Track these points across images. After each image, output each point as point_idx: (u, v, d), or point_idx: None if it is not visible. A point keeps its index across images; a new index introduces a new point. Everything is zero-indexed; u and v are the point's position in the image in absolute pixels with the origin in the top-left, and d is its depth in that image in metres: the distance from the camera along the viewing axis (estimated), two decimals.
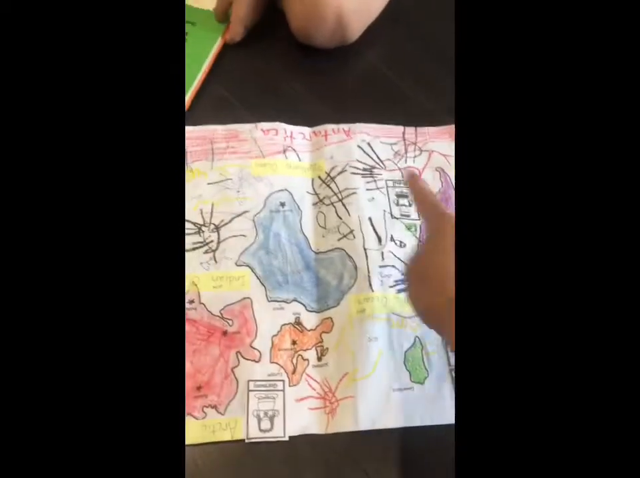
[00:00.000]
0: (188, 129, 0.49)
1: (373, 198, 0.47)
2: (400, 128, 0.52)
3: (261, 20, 0.57)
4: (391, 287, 0.43)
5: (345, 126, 0.51)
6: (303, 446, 0.38)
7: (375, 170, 0.49)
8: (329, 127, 0.51)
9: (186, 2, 0.56)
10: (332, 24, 0.52)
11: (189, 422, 0.38)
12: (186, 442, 0.37)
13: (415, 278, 0.36)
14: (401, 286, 0.44)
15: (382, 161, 0.50)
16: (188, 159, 0.48)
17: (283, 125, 0.51)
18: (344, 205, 0.47)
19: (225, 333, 0.41)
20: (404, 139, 0.51)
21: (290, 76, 0.55)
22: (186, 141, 0.49)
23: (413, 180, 0.40)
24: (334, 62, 0.57)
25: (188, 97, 0.51)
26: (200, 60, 0.53)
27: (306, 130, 0.51)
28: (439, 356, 0.42)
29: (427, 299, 0.35)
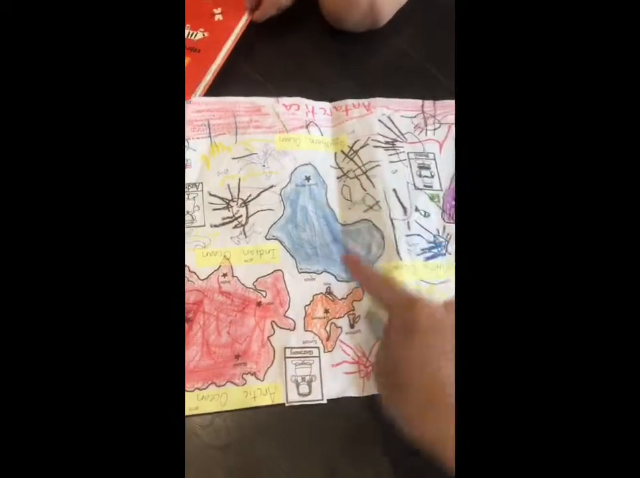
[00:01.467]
0: (209, 99, 0.50)
1: (396, 171, 0.48)
2: (419, 101, 0.53)
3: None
4: (418, 255, 0.45)
5: (365, 101, 0.52)
6: (341, 408, 0.39)
7: (397, 143, 0.50)
8: (349, 101, 0.52)
9: None
10: (365, 8, 0.52)
11: (230, 389, 0.39)
12: (228, 408, 0.38)
13: (385, 381, 0.33)
14: (429, 254, 0.45)
15: (402, 134, 0.50)
16: (212, 132, 0.48)
17: (305, 100, 0.51)
18: (368, 177, 0.48)
19: (259, 304, 0.42)
20: (423, 112, 0.52)
21: (316, 59, 0.56)
22: (208, 113, 0.49)
23: (355, 267, 0.39)
24: (362, 46, 0.57)
25: (213, 73, 0.51)
26: (224, 37, 0.53)
27: (327, 105, 0.52)
28: None
29: (405, 408, 0.31)
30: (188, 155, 0.47)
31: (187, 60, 0.51)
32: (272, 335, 0.41)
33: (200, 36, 0.52)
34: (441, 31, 0.56)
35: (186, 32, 0.53)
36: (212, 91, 0.50)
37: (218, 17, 0.54)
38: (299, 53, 0.56)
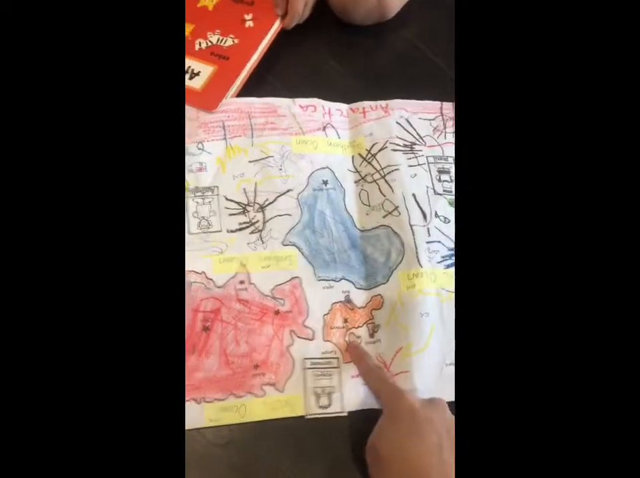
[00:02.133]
0: (223, 101, 0.48)
1: (415, 175, 0.47)
2: (437, 103, 0.51)
3: None
4: (439, 262, 0.44)
5: (383, 102, 0.51)
6: (362, 420, 0.38)
7: (416, 147, 0.49)
8: (367, 103, 0.50)
9: None
10: (373, 1, 0.51)
11: (250, 401, 0.38)
12: (248, 419, 0.38)
13: (372, 460, 0.35)
14: (449, 262, 0.44)
15: (421, 137, 0.49)
16: (227, 134, 0.47)
17: (321, 101, 0.50)
18: (387, 182, 0.47)
19: (277, 312, 0.41)
20: (442, 115, 0.51)
21: (326, 52, 0.54)
22: (223, 114, 0.48)
23: (357, 355, 0.40)
24: (370, 39, 0.56)
25: (242, 80, 0.50)
26: (255, 44, 0.51)
27: (343, 107, 0.50)
28: None
29: None
30: (203, 158, 0.46)
31: (215, 67, 0.49)
32: (291, 345, 0.40)
33: (229, 42, 0.51)
34: (448, 23, 0.54)
35: (216, 38, 0.51)
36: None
37: (249, 23, 0.52)
38: (309, 48, 0.55)
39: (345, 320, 0.42)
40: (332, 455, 0.38)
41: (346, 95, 0.51)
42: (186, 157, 0.46)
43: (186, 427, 0.37)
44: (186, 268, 0.42)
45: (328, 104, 0.50)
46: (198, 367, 0.39)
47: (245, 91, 0.50)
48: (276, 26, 0.52)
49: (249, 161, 0.46)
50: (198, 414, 0.38)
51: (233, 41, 0.51)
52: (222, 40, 0.51)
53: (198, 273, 0.42)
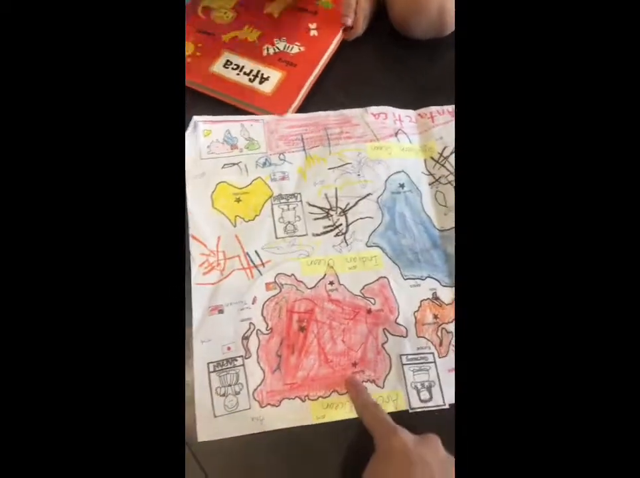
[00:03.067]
0: (300, 116, 0.51)
1: None
2: None
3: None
4: None
5: (449, 107, 0.52)
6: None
7: None
8: (433, 108, 0.52)
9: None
10: (434, 16, 0.53)
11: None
12: (354, 415, 0.38)
13: None
14: None
15: None
16: (305, 145, 0.49)
17: (391, 108, 0.52)
18: None
19: (369, 311, 0.42)
20: None
21: (382, 66, 0.57)
22: (300, 128, 0.50)
23: (354, 391, 0.39)
24: (424, 54, 0.58)
25: (308, 87, 0.52)
26: (320, 53, 0.54)
27: (411, 113, 0.52)
28: None
29: None
30: (285, 168, 0.48)
31: (284, 73, 0.52)
32: (386, 342, 0.41)
33: (296, 50, 0.54)
34: None
35: (283, 44, 0.54)
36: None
37: (314, 32, 0.55)
38: (367, 61, 0.57)
39: (435, 316, 0.43)
40: None
41: (406, 105, 0.53)
42: (270, 168, 0.48)
43: (293, 425, 0.38)
44: (276, 271, 0.43)
45: (398, 111, 0.52)
46: (299, 366, 0.40)
47: (308, 100, 0.52)
48: (339, 37, 0.55)
49: (329, 168, 0.48)
50: (304, 411, 0.39)
51: (299, 49, 0.54)
52: (288, 47, 0.54)
53: (287, 275, 0.44)
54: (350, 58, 0.57)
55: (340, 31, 0.55)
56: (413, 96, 0.54)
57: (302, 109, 0.52)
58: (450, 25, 0.56)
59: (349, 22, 0.55)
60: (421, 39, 0.57)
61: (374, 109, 0.51)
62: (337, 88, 0.54)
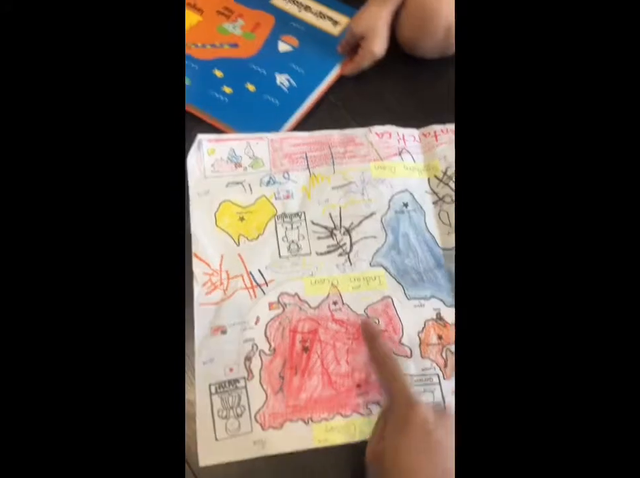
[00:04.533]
0: (304, 134, 0.51)
1: None
2: None
3: None
4: None
5: (452, 126, 0.53)
6: None
7: None
8: (437, 127, 0.52)
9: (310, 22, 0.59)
10: (441, 36, 0.54)
11: (357, 420, 0.39)
12: (358, 438, 0.38)
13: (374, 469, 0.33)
14: None
15: None
16: (310, 164, 0.49)
17: (395, 127, 0.52)
18: None
19: None
20: None
21: (389, 83, 0.57)
22: (305, 147, 0.50)
23: (369, 335, 0.38)
24: (432, 71, 0.58)
25: (306, 107, 0.53)
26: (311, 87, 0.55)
27: (415, 132, 0.53)
28: None
29: None
30: (289, 186, 0.48)
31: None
32: None
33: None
34: None
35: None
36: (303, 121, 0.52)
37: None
38: (374, 78, 0.57)
39: (439, 337, 0.42)
40: None
41: (412, 123, 0.53)
42: (274, 186, 0.48)
43: (295, 448, 0.38)
44: (279, 290, 0.43)
45: (402, 130, 0.52)
46: (302, 387, 0.40)
47: (312, 117, 0.53)
48: (334, 71, 0.56)
49: (333, 188, 0.48)
50: (306, 434, 0.38)
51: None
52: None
53: (291, 295, 0.43)
54: (359, 76, 0.57)
55: (337, 65, 0.56)
56: (418, 113, 0.54)
57: (304, 126, 0.52)
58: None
59: (340, 49, 0.56)
60: (427, 58, 0.58)
61: (378, 128, 0.51)
62: (341, 105, 0.55)
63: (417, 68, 0.58)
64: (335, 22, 0.60)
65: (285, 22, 0.59)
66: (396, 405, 0.35)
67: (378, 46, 0.55)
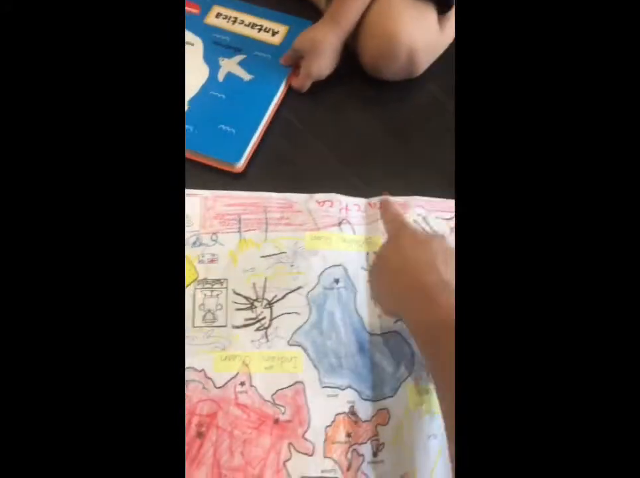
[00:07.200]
0: (241, 194, 0.49)
1: None
2: None
3: None
4: None
5: (401, 199, 0.50)
6: None
7: None
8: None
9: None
10: (404, 60, 0.54)
11: None
12: None
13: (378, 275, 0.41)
14: None
15: None
16: (242, 227, 0.47)
17: (339, 196, 0.49)
18: None
19: (277, 421, 0.39)
20: None
21: (353, 105, 0.57)
22: (240, 207, 0.48)
23: (386, 205, 0.44)
24: (397, 93, 0.58)
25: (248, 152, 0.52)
26: (264, 106, 0.55)
27: (361, 201, 0.50)
28: None
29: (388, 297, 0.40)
30: (216, 249, 0.45)
31: None
32: (288, 460, 0.38)
33: None
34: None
35: None
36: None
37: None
38: (335, 98, 0.58)
39: (348, 435, 0.39)
40: None
41: (375, 153, 0.54)
42: (200, 248, 0.45)
43: None
44: (186, 364, 0.41)
45: (346, 199, 0.50)
46: None
47: (269, 133, 0.54)
48: (281, 88, 0.56)
49: (262, 256, 0.46)
50: None
51: None
52: None
53: (197, 370, 0.41)
54: (320, 94, 0.57)
55: (284, 81, 0.56)
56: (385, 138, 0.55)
57: (262, 148, 0.53)
58: (421, 66, 0.57)
59: (282, 61, 0.57)
60: (393, 80, 0.57)
61: (320, 196, 0.49)
62: (303, 122, 0.56)
63: (381, 90, 0.58)
64: (274, 32, 0.60)
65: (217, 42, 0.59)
66: (390, 231, 0.42)
67: (316, 67, 0.55)
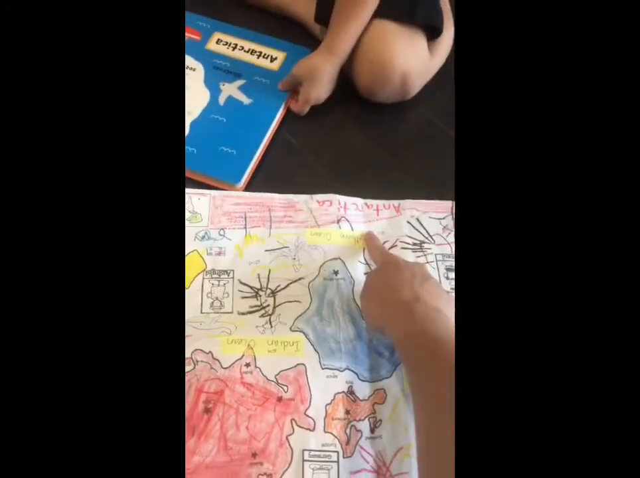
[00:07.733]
0: (247, 194, 0.53)
1: None
2: (449, 203, 0.55)
3: None
4: None
5: (395, 202, 0.54)
6: None
7: (425, 245, 0.51)
8: (380, 202, 0.54)
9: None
10: (398, 84, 0.58)
11: None
12: None
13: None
14: None
15: (431, 236, 0.52)
16: (247, 224, 0.50)
17: (337, 196, 0.53)
18: None
19: (280, 399, 0.42)
20: (452, 214, 0.54)
21: (350, 126, 0.61)
22: (246, 206, 0.52)
23: (370, 237, 0.50)
24: (391, 115, 0.62)
25: (251, 168, 0.55)
26: (263, 128, 0.58)
27: (359, 201, 0.54)
28: None
29: None
30: (223, 243, 0.49)
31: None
32: (291, 434, 0.40)
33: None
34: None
35: None
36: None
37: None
38: (332, 120, 0.62)
39: (347, 412, 0.42)
40: None
41: (370, 168, 0.58)
42: (208, 241, 0.49)
43: None
44: (194, 347, 0.43)
45: (345, 199, 0.53)
46: (196, 451, 0.39)
47: (269, 154, 0.57)
48: (280, 111, 0.60)
49: (266, 250, 0.49)
50: None
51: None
52: None
53: (205, 352, 0.43)
54: (318, 116, 0.61)
55: (282, 105, 0.61)
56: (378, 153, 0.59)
57: (262, 167, 0.56)
58: (414, 89, 0.61)
59: (280, 86, 0.61)
60: (386, 103, 0.62)
61: (319, 196, 0.53)
62: (302, 143, 0.59)
63: (376, 111, 0.62)
64: (273, 58, 0.64)
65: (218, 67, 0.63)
66: (376, 261, 0.47)
67: (315, 93, 0.59)
